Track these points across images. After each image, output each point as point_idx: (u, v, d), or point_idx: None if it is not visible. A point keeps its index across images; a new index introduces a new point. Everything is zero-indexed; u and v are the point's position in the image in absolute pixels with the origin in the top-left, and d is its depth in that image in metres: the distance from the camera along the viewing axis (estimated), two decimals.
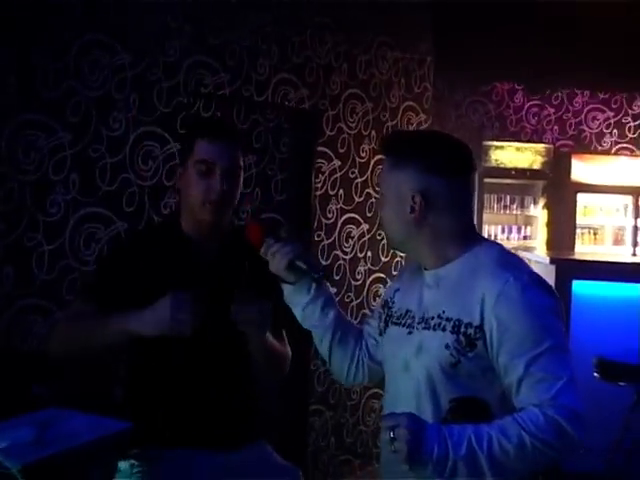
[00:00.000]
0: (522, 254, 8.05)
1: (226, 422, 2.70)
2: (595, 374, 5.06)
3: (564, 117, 9.31)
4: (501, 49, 7.19)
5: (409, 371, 2.23)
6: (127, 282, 2.62)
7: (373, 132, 5.68)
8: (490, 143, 8.89)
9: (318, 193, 5.30)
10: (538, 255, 6.85)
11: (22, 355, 3.55)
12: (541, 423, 1.99)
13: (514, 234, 9.19)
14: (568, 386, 2.03)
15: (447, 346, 2.13)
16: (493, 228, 9.03)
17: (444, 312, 2.17)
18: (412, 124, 6.05)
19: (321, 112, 5.28)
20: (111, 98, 3.97)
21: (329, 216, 5.38)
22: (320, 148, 5.30)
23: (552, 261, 5.83)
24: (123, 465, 2.64)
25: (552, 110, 9.29)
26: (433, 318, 2.20)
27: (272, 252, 2.38)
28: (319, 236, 5.30)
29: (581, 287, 5.70)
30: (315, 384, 5.32)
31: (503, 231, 9.10)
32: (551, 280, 5.67)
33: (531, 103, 9.23)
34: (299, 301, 2.48)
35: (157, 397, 2.66)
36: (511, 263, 2.18)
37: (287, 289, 2.47)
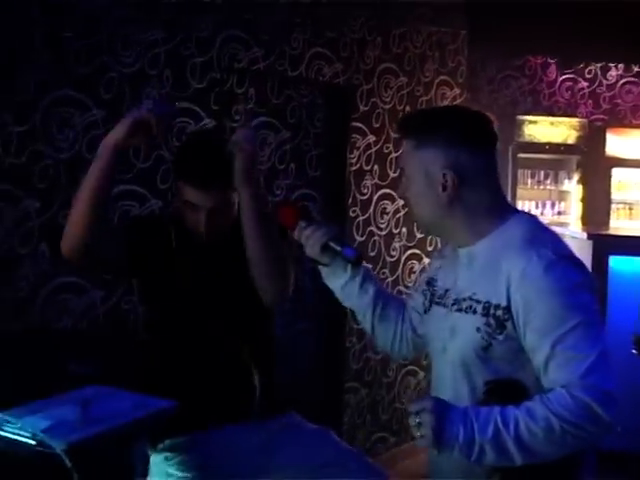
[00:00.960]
0: (557, 230, 8.00)
1: (252, 396, 2.70)
2: (633, 351, 5.00)
3: (598, 91, 9.18)
4: (534, 22, 7.09)
5: (446, 353, 2.20)
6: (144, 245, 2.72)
7: (407, 107, 5.62)
8: (523, 118, 8.80)
9: (353, 169, 5.25)
10: (575, 231, 6.77)
11: (58, 333, 3.54)
12: (569, 405, 1.90)
13: (548, 210, 9.11)
14: (598, 364, 1.94)
15: (478, 329, 2.08)
16: (527, 204, 8.94)
17: (475, 294, 2.12)
18: (446, 98, 5.98)
19: (355, 87, 5.22)
20: (144, 74, 3.93)
21: (364, 192, 5.33)
22: (354, 123, 5.24)
23: (589, 236, 5.74)
24: (157, 458, 2.63)
25: (586, 84, 9.17)
26: (465, 300, 2.15)
27: (306, 236, 2.35)
28: (354, 212, 5.25)
29: (618, 263, 5.63)
30: (350, 361, 5.29)
31: (537, 207, 9.02)
32: (588, 256, 5.60)
33: (564, 77, 9.12)
34: (337, 282, 2.45)
35: (178, 380, 2.64)
36: (537, 239, 2.09)
37: (324, 271, 2.44)
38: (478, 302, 2.10)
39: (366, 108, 5.31)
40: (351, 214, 5.25)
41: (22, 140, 3.46)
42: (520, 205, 8.72)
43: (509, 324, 2.04)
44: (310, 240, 2.33)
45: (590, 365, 1.93)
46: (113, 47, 3.78)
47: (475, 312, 2.10)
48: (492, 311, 2.06)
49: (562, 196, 9.26)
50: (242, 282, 2.68)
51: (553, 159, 9.02)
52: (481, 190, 2.15)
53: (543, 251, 2.03)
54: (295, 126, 4.98)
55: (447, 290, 2.25)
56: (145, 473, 2.64)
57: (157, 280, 2.73)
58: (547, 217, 8.89)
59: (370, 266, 5.37)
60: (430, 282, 2.38)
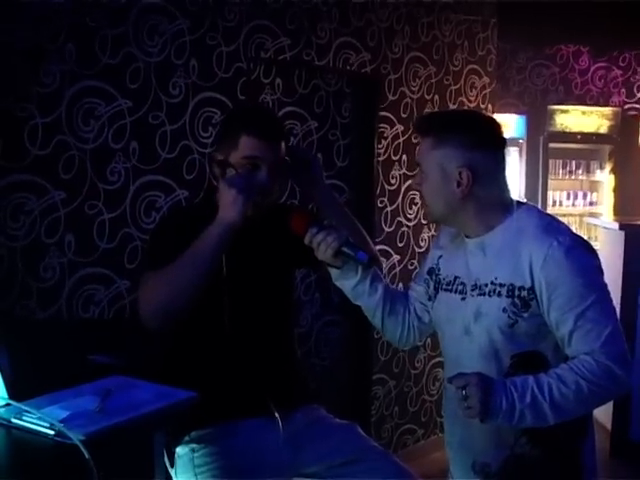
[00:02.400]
0: (589, 220, 7.92)
1: (274, 387, 2.68)
2: None
3: (631, 79, 9.07)
4: (566, 10, 7.00)
5: (470, 335, 2.38)
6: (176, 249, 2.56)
7: (436, 96, 5.58)
8: (555, 107, 8.70)
9: (381, 159, 5.22)
10: (606, 221, 6.70)
11: (83, 323, 3.54)
12: (594, 369, 2.18)
13: (579, 200, 9.01)
14: (615, 333, 2.22)
15: (504, 310, 2.29)
16: (558, 194, 8.85)
17: (496, 278, 2.32)
18: (475, 88, 5.93)
19: (383, 76, 5.18)
20: (170, 64, 3.92)
21: (392, 182, 5.30)
22: (382, 113, 5.20)
23: (621, 227, 5.69)
24: (182, 450, 2.62)
25: (619, 72, 9.05)
26: (487, 285, 2.34)
27: (317, 241, 2.45)
28: (382, 202, 5.22)
29: None
30: (378, 353, 5.27)
31: (568, 197, 8.92)
32: (620, 247, 5.54)
33: (597, 65, 9.01)
34: (348, 283, 2.57)
35: (202, 372, 2.63)
36: (553, 226, 2.33)
37: (334, 272, 2.56)
38: (502, 285, 2.31)
39: (394, 98, 5.27)
40: (379, 204, 5.22)
41: (47, 131, 3.46)
42: (551, 195, 8.65)
43: (533, 303, 2.27)
44: (322, 245, 2.44)
45: (608, 335, 2.21)
46: (139, 37, 3.78)
47: (500, 295, 2.30)
48: (517, 292, 2.28)
49: (594, 186, 9.16)
50: (277, 270, 2.69)
51: (585, 149, 8.92)
52: (491, 187, 2.36)
53: (562, 237, 2.26)
54: (322, 116, 4.95)
55: (456, 277, 2.46)
56: (171, 464, 2.65)
57: None
58: (579, 208, 8.81)
59: (398, 257, 5.35)
60: (432, 271, 2.58)
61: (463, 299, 2.41)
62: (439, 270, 2.55)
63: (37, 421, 1.85)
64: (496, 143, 2.39)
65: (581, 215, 8.68)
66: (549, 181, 8.67)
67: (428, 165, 2.36)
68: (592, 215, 8.43)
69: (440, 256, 2.57)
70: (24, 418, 1.89)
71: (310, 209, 2.67)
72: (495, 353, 2.33)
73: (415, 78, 5.41)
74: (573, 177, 9.04)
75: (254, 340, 2.66)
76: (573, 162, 8.99)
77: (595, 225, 7.57)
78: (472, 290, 2.38)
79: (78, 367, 2.37)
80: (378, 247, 5.16)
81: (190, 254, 2.47)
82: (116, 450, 1.98)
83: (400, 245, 5.38)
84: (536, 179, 8.36)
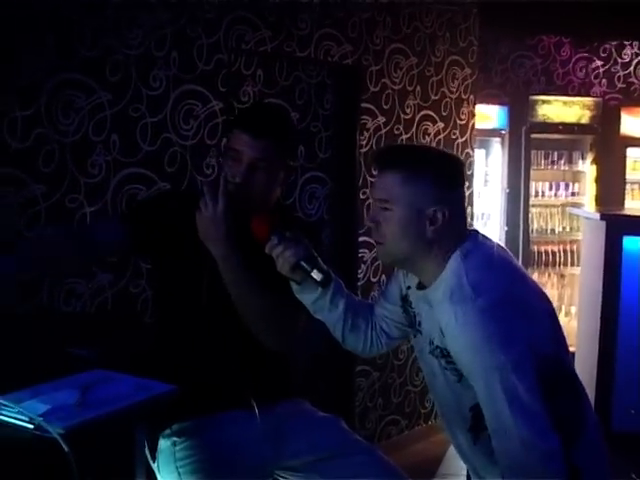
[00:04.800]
0: (571, 211, 7.93)
1: (256, 381, 2.66)
2: None
3: (612, 70, 9.07)
4: (547, 1, 7.01)
5: (436, 381, 2.34)
6: (152, 227, 2.62)
7: (418, 87, 5.58)
8: (537, 98, 8.69)
9: (363, 150, 5.21)
10: (587, 211, 6.72)
11: (64, 316, 3.53)
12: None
13: (562, 191, 9.00)
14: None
15: (445, 368, 2.23)
16: (540, 185, 8.84)
17: (434, 339, 2.25)
18: (457, 79, 5.94)
19: (364, 67, 5.18)
20: (151, 56, 3.91)
21: (374, 173, 5.27)
22: (364, 104, 5.20)
23: (602, 217, 5.72)
24: (164, 444, 2.62)
25: (600, 63, 9.06)
26: (430, 343, 2.28)
27: (276, 254, 2.39)
28: (364, 194, 5.22)
29: (632, 243, 5.58)
30: None
31: (551, 188, 8.91)
32: (601, 237, 5.58)
33: (578, 56, 9.01)
34: (308, 297, 2.51)
35: (183, 364, 2.61)
36: (469, 287, 2.15)
37: (295, 286, 2.49)
38: (437, 347, 2.25)
39: (376, 89, 5.27)
40: (361, 196, 5.22)
41: (27, 124, 3.45)
42: (534, 186, 8.65)
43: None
44: (279, 259, 2.39)
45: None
46: (119, 29, 3.76)
47: (437, 356, 2.25)
48: (446, 352, 2.21)
49: (576, 177, 9.16)
50: (261, 263, 2.65)
51: (567, 139, 8.92)
52: (458, 226, 2.26)
53: (464, 306, 2.12)
54: (304, 107, 4.95)
55: (420, 322, 2.36)
56: (152, 458, 2.64)
57: (172, 261, 2.66)
58: (561, 198, 8.80)
59: None
60: (406, 300, 2.45)
61: (426, 353, 2.33)
62: (410, 303, 2.42)
63: (16, 415, 1.84)
64: (461, 181, 2.32)
65: (563, 205, 8.67)
66: (531, 172, 8.68)
67: (396, 202, 2.21)
68: (574, 205, 8.43)
69: (409, 287, 2.42)
70: (3, 412, 1.87)
71: (277, 215, 2.59)
72: (457, 404, 2.27)
73: (397, 69, 5.41)
74: (555, 168, 9.03)
75: (235, 332, 2.63)
76: (555, 153, 8.99)
77: (577, 215, 7.59)
78: (429, 345, 2.30)
79: (57, 360, 2.36)
80: (361, 239, 5.17)
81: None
82: (97, 444, 1.97)
83: None
84: (518, 170, 8.35)
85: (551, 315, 2.29)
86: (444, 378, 2.26)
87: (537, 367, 2.08)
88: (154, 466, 2.64)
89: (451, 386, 2.25)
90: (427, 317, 2.30)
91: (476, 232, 2.33)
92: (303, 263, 2.38)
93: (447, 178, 2.24)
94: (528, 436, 2.03)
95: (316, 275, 2.38)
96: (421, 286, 2.32)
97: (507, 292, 2.17)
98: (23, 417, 1.82)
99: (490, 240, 2.35)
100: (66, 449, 1.66)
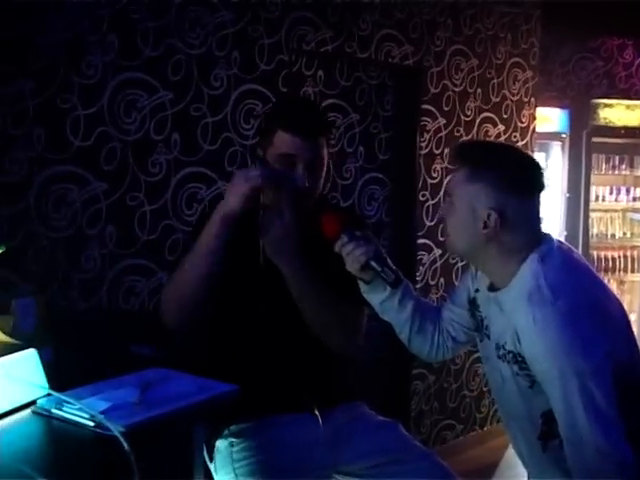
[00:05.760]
0: (632, 216, 7.82)
1: (315, 383, 2.62)
2: None
3: None
4: (611, 2, 6.91)
5: (504, 388, 2.30)
6: None
7: (479, 89, 5.53)
8: (598, 101, 8.58)
9: (423, 152, 5.18)
10: None
11: (124, 314, 3.55)
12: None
13: (622, 195, 8.88)
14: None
15: (517, 374, 2.18)
16: (601, 189, 8.73)
17: (506, 343, 2.20)
18: (518, 81, 5.88)
19: (425, 69, 5.14)
20: (212, 56, 3.91)
21: (434, 175, 5.26)
22: (424, 106, 5.17)
23: None
24: (221, 444, 2.61)
25: None
26: (500, 348, 2.23)
27: (346, 252, 2.35)
28: (424, 196, 5.18)
29: None
30: None
31: (611, 192, 8.80)
32: None
33: None
34: (376, 297, 2.48)
35: (243, 366, 2.59)
36: (546, 290, 2.10)
37: (363, 286, 2.46)
38: (509, 352, 2.20)
39: (436, 90, 5.23)
40: (421, 198, 5.19)
41: (90, 122, 3.47)
42: (594, 191, 8.55)
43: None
44: (349, 258, 2.35)
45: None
46: (181, 29, 3.77)
47: (509, 362, 2.20)
48: (519, 358, 2.16)
49: (637, 181, 9.02)
50: (320, 263, 2.57)
51: (629, 143, 8.79)
52: (518, 234, 2.19)
53: (544, 309, 2.07)
54: (364, 109, 4.93)
55: (488, 326, 2.33)
56: (210, 458, 2.63)
57: (232, 262, 2.56)
58: (622, 203, 8.69)
59: (440, 251, 5.30)
60: (473, 304, 2.43)
61: (495, 358, 2.29)
62: (478, 307, 2.40)
63: (77, 412, 1.84)
64: (533, 187, 2.23)
65: (624, 210, 8.55)
66: (592, 176, 8.57)
67: (458, 198, 2.23)
68: (635, 211, 8.31)
69: (477, 290, 2.41)
70: (64, 409, 1.88)
71: (346, 209, 2.55)
72: (527, 411, 2.22)
73: (457, 71, 5.37)
74: (616, 172, 8.92)
75: (296, 334, 2.60)
76: (617, 157, 8.87)
77: (638, 221, 7.48)
78: (495, 349, 2.27)
79: (119, 358, 2.36)
80: (420, 241, 5.13)
81: (197, 245, 2.44)
82: (156, 442, 1.97)
83: (442, 239, 5.33)
84: (579, 174, 8.25)
85: (626, 321, 2.24)
86: (514, 383, 2.21)
87: (614, 373, 2.03)
88: (211, 466, 2.63)
89: (522, 392, 2.20)
90: (496, 320, 2.27)
91: (551, 236, 2.28)
92: (373, 262, 2.33)
93: (511, 181, 2.17)
94: (604, 444, 1.99)
95: (386, 275, 2.34)
96: (493, 288, 2.28)
97: (586, 296, 2.13)
98: (84, 414, 1.82)
99: (567, 244, 2.31)
100: (126, 447, 1.66)
